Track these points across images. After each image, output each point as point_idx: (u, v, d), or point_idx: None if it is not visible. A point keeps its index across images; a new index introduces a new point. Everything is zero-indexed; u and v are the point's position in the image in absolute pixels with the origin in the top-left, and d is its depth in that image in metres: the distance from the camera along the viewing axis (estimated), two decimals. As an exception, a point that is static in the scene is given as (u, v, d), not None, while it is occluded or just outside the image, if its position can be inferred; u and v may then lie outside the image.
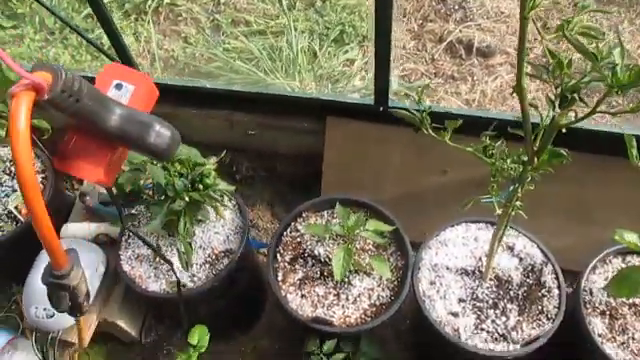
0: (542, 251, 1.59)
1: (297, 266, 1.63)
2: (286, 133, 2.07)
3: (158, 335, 2.05)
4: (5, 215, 1.84)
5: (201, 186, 1.49)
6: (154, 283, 1.64)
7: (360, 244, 1.65)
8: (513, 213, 1.30)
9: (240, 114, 2.07)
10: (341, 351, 1.60)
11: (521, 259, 1.58)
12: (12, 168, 1.98)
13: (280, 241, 1.67)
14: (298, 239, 1.67)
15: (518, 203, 1.26)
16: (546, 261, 1.57)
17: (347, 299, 1.57)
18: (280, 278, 1.61)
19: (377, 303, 1.56)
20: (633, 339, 1.44)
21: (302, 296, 1.58)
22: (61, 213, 2.02)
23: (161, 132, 0.76)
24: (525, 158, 1.12)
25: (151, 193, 1.55)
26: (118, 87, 0.75)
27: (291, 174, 2.24)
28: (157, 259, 1.67)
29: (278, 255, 1.64)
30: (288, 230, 1.69)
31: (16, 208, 1.82)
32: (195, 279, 1.63)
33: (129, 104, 0.76)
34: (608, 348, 1.42)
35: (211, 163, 1.54)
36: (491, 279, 1.54)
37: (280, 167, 2.24)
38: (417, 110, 1.14)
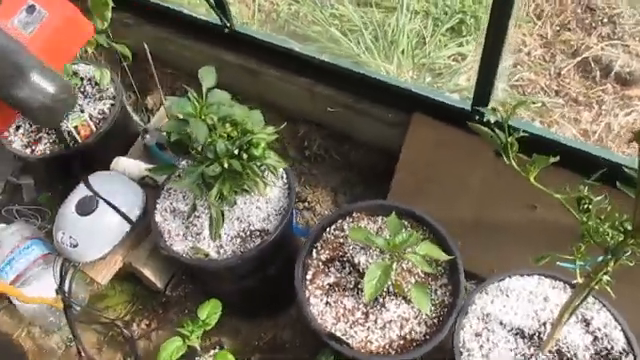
0: (626, 336, 1.27)
1: (332, 269, 1.44)
2: (367, 119, 1.86)
3: (185, 293, 1.96)
4: (67, 132, 1.81)
5: (246, 155, 1.33)
6: (180, 242, 1.52)
7: (408, 264, 1.42)
8: (597, 287, 1.02)
9: (323, 87, 1.88)
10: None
11: (596, 338, 1.28)
12: (87, 87, 1.94)
13: (320, 236, 1.48)
14: (341, 239, 1.48)
15: (606, 278, 0.98)
16: (629, 350, 1.26)
17: (375, 322, 1.36)
18: (309, 277, 1.43)
19: (408, 337, 1.34)
20: None
21: (327, 303, 1.39)
22: (124, 144, 1.97)
23: (37, 85, 0.55)
24: (629, 227, 0.84)
25: (200, 149, 1.43)
26: (30, 10, 0.58)
27: (364, 165, 2.03)
28: (191, 218, 1.55)
29: (314, 251, 1.46)
30: (333, 227, 1.50)
31: (75, 128, 1.77)
32: (221, 251, 1.50)
33: (32, 36, 0.57)
34: None
35: (265, 133, 1.38)
36: (551, 352, 1.26)
37: (354, 154, 2.04)
38: (503, 129, 0.88)
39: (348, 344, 1.32)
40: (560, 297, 1.33)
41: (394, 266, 1.31)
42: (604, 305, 1.31)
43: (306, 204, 2.03)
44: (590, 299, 1.33)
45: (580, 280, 1.03)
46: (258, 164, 1.38)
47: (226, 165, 1.30)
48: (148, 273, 1.78)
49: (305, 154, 2.07)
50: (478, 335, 1.29)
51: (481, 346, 1.28)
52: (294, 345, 1.80)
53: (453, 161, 1.70)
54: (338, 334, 1.33)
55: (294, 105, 1.94)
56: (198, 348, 1.53)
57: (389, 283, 1.38)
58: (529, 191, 1.45)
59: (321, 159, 2.09)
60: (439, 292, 1.40)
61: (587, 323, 1.30)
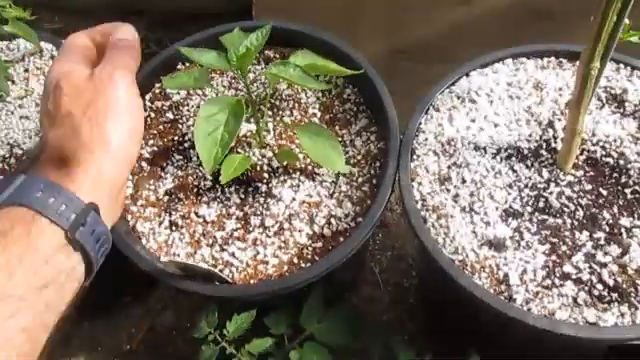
0: (691, 101, 0.71)
1: (167, 167, 0.80)
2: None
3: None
4: None
5: None
6: None
7: (294, 113, 0.80)
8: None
9: None
10: (266, 334, 0.78)
11: (644, 121, 0.71)
12: None
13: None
14: (169, 114, 0.83)
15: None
16: (702, 120, 0.70)
17: (263, 226, 0.73)
18: (129, 192, 0.79)
19: (326, 231, 0.72)
20: None
21: (171, 226, 0.75)
22: None
23: None
24: None
25: None
26: None
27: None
28: None
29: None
30: (147, 97, 0.85)
31: None
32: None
33: None
34: None
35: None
36: (579, 165, 0.69)
37: None
38: None
39: (226, 280, 0.69)
40: (558, 78, 0.75)
41: (262, 117, 0.68)
42: (636, 68, 0.75)
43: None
44: (610, 65, 0.75)
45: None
46: None
47: None
48: None
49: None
50: (445, 180, 0.69)
51: (455, 197, 0.68)
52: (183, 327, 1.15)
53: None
54: (203, 266, 0.69)
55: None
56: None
57: (269, 156, 0.76)
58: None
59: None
60: (358, 141, 0.79)
61: (620, 101, 0.73)
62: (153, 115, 0.81)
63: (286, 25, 0.81)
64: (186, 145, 0.80)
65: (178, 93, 0.82)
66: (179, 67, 0.86)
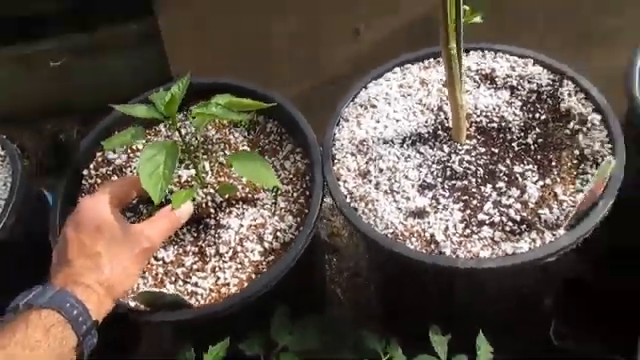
0: (543, 65, 0.86)
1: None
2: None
3: None
4: None
5: None
6: None
7: (224, 149, 0.90)
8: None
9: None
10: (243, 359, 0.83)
11: (514, 89, 0.85)
12: None
13: (81, 189, 0.90)
14: (111, 167, 0.91)
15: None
16: (561, 77, 0.84)
17: (219, 255, 0.80)
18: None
19: (275, 244, 0.80)
20: None
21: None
22: None
23: None
24: None
25: None
26: None
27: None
28: None
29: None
30: (93, 164, 0.92)
31: None
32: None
33: None
34: None
35: None
36: (471, 135, 0.81)
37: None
38: None
39: (191, 305, 0.75)
40: (439, 73, 0.89)
41: (199, 161, 0.77)
42: (497, 50, 0.89)
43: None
44: (475, 54, 0.90)
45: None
46: None
47: None
48: None
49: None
50: (366, 174, 0.79)
51: (377, 184, 0.78)
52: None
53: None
54: (169, 292, 0.75)
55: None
56: None
57: (212, 193, 0.85)
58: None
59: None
60: (287, 164, 0.88)
61: (491, 78, 0.86)
62: (99, 181, 0.89)
63: (206, 79, 0.92)
64: (134, 202, 0.87)
65: (119, 157, 0.91)
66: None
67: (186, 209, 0.78)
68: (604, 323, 0.95)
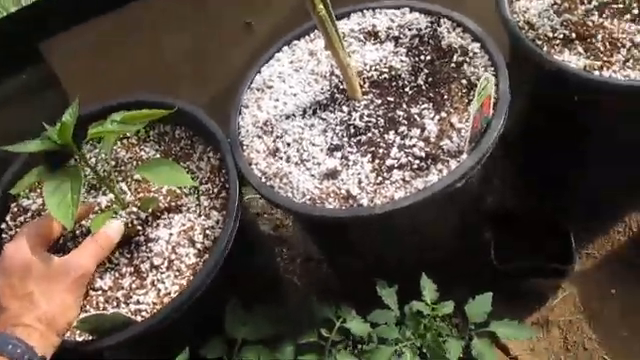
0: (422, 10, 0.89)
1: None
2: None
3: None
4: None
5: None
6: None
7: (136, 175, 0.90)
8: None
9: None
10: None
11: (397, 39, 0.88)
12: None
13: (2, 242, 0.89)
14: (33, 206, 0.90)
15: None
16: (437, 17, 0.88)
17: (154, 268, 0.79)
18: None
19: (207, 243, 0.81)
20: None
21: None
22: None
23: None
24: None
25: None
26: None
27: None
28: None
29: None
30: (9, 215, 0.90)
31: None
32: None
33: None
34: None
35: None
36: (366, 91, 0.83)
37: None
38: None
39: (133, 320, 0.75)
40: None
41: (114, 184, 0.76)
42: (374, 8, 0.92)
43: None
44: (355, 15, 0.93)
45: None
46: None
47: None
48: None
49: None
50: (275, 152, 0.81)
51: (288, 159, 0.79)
52: None
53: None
54: (108, 312, 0.74)
55: None
56: None
57: (135, 211, 0.85)
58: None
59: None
60: (202, 164, 0.88)
61: (374, 34, 0.89)
62: (19, 230, 0.88)
63: (101, 105, 0.91)
64: (60, 241, 0.86)
65: (34, 202, 0.89)
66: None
67: (116, 228, 0.78)
68: (536, 241, 0.99)
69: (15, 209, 0.90)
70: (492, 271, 0.95)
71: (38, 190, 0.91)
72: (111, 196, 0.87)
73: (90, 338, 0.75)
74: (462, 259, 0.89)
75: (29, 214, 0.89)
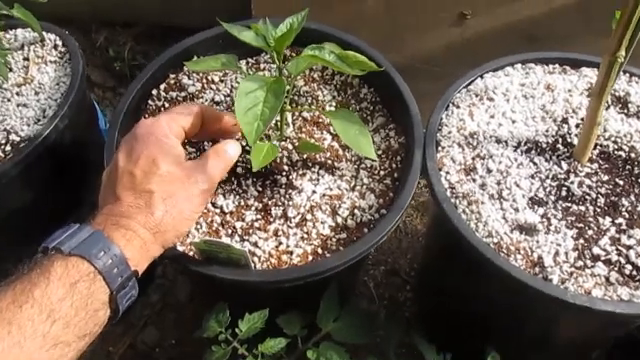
0: (686, 103, 0.77)
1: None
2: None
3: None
4: None
5: None
6: None
7: (311, 105, 0.80)
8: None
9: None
10: (278, 335, 0.74)
11: (646, 120, 0.76)
12: None
13: (145, 109, 0.81)
14: (182, 100, 0.81)
15: None
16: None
17: (285, 218, 0.71)
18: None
19: (350, 222, 0.71)
20: None
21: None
22: None
23: None
24: None
25: None
26: None
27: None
28: None
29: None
30: (162, 87, 0.82)
31: None
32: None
33: None
34: None
35: None
36: (593, 158, 0.72)
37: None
38: None
39: (251, 266, 0.66)
40: (566, 81, 0.80)
41: (282, 87, 0.66)
42: (633, 74, 0.80)
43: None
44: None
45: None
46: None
47: None
48: None
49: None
50: (471, 171, 0.71)
51: (483, 185, 0.69)
52: (167, 344, 1.07)
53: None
54: (235, 245, 0.65)
55: None
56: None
57: (289, 149, 0.76)
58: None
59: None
60: (377, 138, 0.79)
61: (624, 102, 0.78)
62: (167, 105, 0.79)
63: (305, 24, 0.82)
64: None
65: (194, 84, 0.81)
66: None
67: (236, 149, 0.66)
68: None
69: (172, 81, 0.81)
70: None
71: (201, 75, 0.83)
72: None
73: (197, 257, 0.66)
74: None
75: (183, 93, 0.81)
